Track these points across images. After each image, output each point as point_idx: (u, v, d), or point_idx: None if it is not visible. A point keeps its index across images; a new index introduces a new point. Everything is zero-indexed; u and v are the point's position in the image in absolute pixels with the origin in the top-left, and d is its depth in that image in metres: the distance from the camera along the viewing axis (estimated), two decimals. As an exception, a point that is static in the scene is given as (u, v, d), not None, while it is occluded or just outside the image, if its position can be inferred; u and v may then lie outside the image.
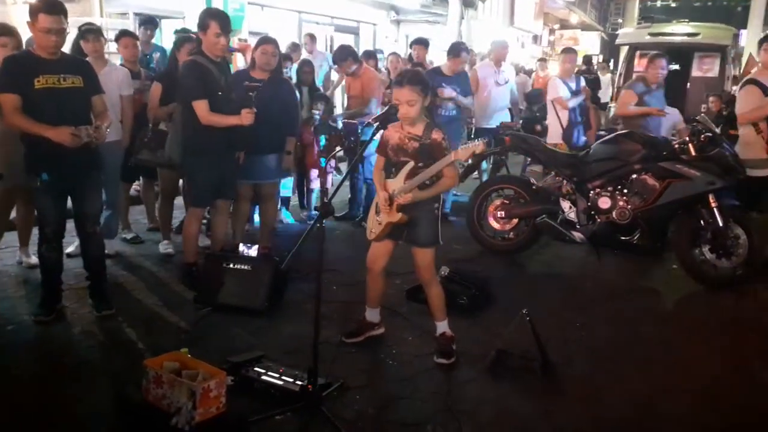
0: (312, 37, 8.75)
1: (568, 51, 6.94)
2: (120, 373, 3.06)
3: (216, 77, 3.91)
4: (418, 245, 3.24)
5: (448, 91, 5.55)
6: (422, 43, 7.19)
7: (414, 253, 3.27)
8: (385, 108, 3.43)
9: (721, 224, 4.42)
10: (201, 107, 3.84)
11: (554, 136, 6.36)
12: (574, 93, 6.31)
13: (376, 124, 3.25)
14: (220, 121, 3.90)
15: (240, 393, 2.79)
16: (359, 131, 5.68)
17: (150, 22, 6.26)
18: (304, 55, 7.85)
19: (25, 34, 4.32)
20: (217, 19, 3.85)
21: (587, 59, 15.52)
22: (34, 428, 2.67)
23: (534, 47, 23.96)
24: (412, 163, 3.12)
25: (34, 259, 4.29)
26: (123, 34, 5.07)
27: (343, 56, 5.74)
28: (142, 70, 5.17)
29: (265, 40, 4.45)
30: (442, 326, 3.36)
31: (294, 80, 5.83)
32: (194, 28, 5.96)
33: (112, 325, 3.64)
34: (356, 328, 3.49)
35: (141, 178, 5.40)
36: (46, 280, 3.66)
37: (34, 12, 3.27)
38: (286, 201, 6.04)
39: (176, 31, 5.81)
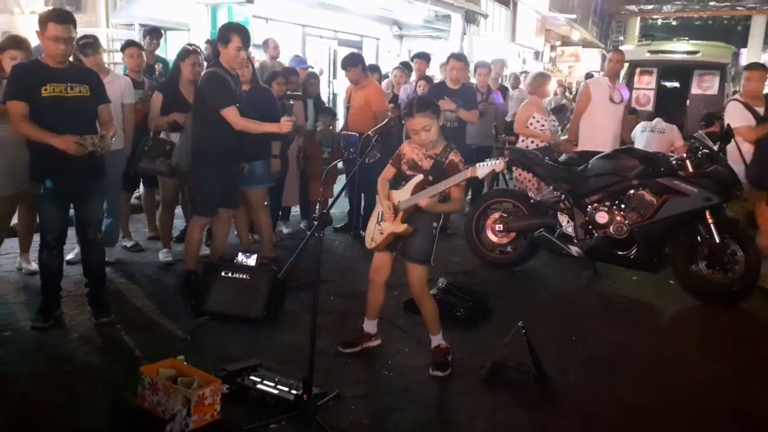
0: (276, 44, 7.53)
1: (760, 67, 5.38)
2: (116, 379, 3.08)
3: (233, 89, 3.98)
4: (410, 259, 3.26)
5: (447, 103, 5.59)
6: (423, 57, 7.21)
7: (408, 269, 3.30)
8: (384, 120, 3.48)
9: (717, 240, 4.44)
10: (232, 113, 3.90)
11: None
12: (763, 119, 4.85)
13: (375, 137, 3.30)
14: (255, 127, 3.98)
15: (235, 401, 2.81)
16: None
17: (155, 32, 6.32)
18: (266, 59, 7.32)
19: (32, 43, 4.38)
20: (239, 34, 3.94)
21: (588, 76, 15.74)
22: (30, 433, 2.68)
23: (535, 63, 24.12)
24: (421, 176, 3.14)
25: (34, 266, 4.32)
26: (128, 44, 5.13)
27: (354, 62, 5.78)
28: (145, 79, 5.22)
29: None
30: (437, 339, 3.38)
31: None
32: (199, 41, 6.10)
33: (110, 332, 3.65)
34: (353, 338, 3.50)
35: (142, 186, 5.43)
36: (46, 286, 3.69)
37: (43, 21, 3.32)
38: (286, 211, 6.08)
39: (188, 45, 5.91)
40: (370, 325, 3.53)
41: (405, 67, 7.22)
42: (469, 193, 6.95)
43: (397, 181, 3.31)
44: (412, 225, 3.18)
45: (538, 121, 5.91)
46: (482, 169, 2.98)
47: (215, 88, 3.92)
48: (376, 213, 3.39)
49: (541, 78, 6.24)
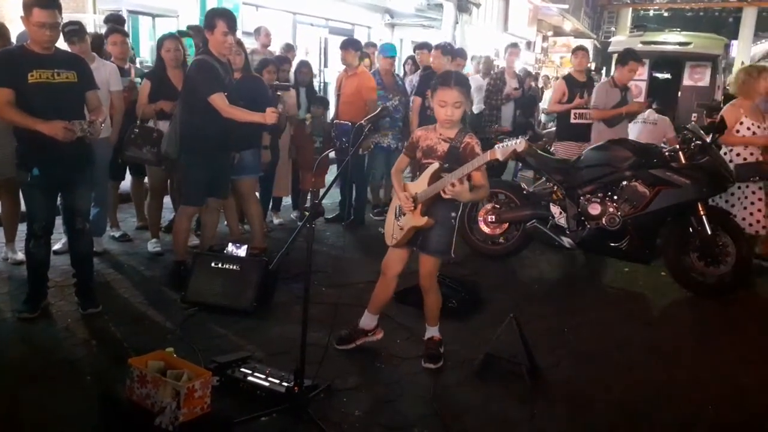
0: (268, 32, 7.30)
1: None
2: (104, 371, 3.03)
3: (222, 76, 3.92)
4: (429, 252, 3.15)
5: (520, 143, 5.33)
6: (425, 47, 7.12)
7: (421, 260, 3.20)
8: (378, 110, 3.42)
9: (709, 232, 4.44)
10: (219, 100, 3.83)
11: None
12: None
13: (368, 126, 3.25)
14: (242, 115, 3.90)
15: (226, 393, 2.78)
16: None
17: (118, 20, 6.06)
18: (256, 47, 7.17)
19: (15, 29, 4.29)
20: (224, 19, 3.87)
21: (587, 71, 15.79)
22: (16, 426, 2.63)
23: (527, 53, 24.07)
24: (437, 164, 3.00)
25: (20, 256, 4.25)
26: (112, 31, 5.03)
27: (356, 46, 5.73)
28: (131, 67, 5.14)
29: None
30: (433, 331, 3.35)
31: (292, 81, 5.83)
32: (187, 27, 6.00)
33: (98, 323, 3.60)
34: (348, 334, 3.42)
35: (129, 175, 5.35)
36: (33, 276, 3.63)
37: (28, 6, 3.25)
38: (277, 202, 6.03)
39: (188, 27, 5.81)
40: (369, 319, 3.42)
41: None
42: None
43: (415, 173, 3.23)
44: (431, 217, 3.07)
45: (748, 128, 4.75)
46: (501, 150, 2.78)
47: (203, 75, 3.85)
48: (393, 208, 3.27)
49: (745, 73, 4.89)
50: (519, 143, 2.75)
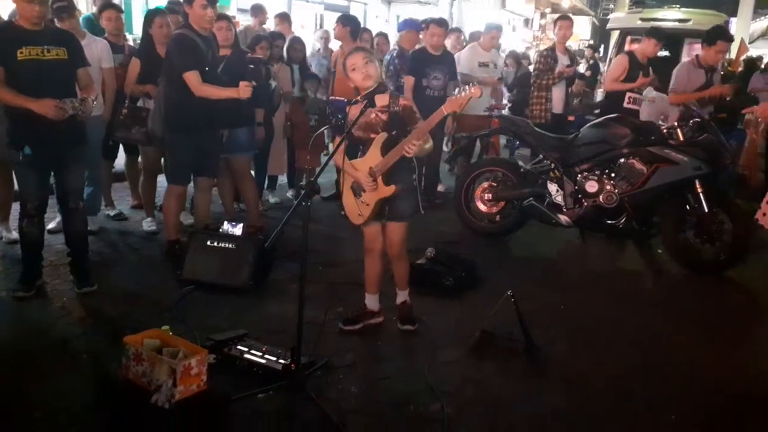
0: (264, 9, 6.96)
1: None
2: (100, 350, 3.03)
3: (203, 51, 3.84)
4: (401, 219, 3.20)
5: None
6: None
7: (390, 230, 3.24)
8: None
9: (706, 210, 4.43)
10: (192, 78, 3.78)
11: None
12: None
13: (365, 102, 3.21)
14: (215, 92, 3.85)
15: (222, 371, 2.77)
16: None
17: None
18: (253, 24, 6.93)
19: (5, 8, 4.21)
20: None
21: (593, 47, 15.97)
22: (12, 405, 2.63)
23: (525, 31, 23.88)
24: (384, 134, 3.05)
25: (14, 235, 4.22)
26: (106, 6, 4.95)
27: (347, 21, 5.63)
28: (126, 44, 5.06)
29: (218, 17, 4.33)
30: (404, 295, 3.41)
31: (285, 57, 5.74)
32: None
33: (93, 302, 3.59)
34: (355, 315, 3.42)
35: (123, 154, 5.30)
36: (27, 255, 3.61)
37: None
38: (272, 180, 5.99)
39: (170, 2, 5.67)
40: (371, 301, 3.44)
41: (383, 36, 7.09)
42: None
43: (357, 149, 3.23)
44: (396, 184, 3.10)
45: None
46: (456, 100, 2.85)
47: (179, 51, 3.79)
48: (347, 189, 3.26)
49: None
50: (474, 90, 2.82)
